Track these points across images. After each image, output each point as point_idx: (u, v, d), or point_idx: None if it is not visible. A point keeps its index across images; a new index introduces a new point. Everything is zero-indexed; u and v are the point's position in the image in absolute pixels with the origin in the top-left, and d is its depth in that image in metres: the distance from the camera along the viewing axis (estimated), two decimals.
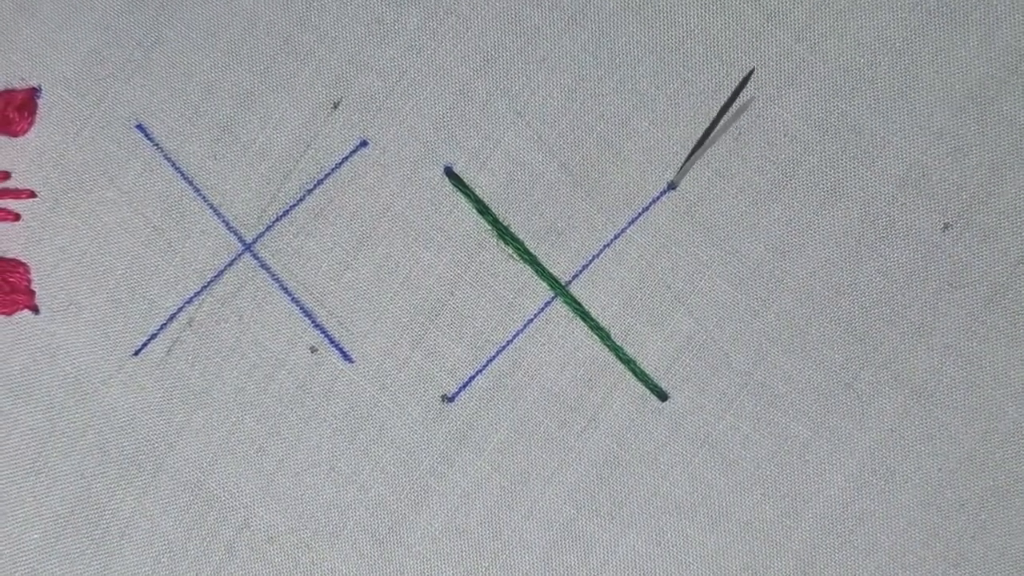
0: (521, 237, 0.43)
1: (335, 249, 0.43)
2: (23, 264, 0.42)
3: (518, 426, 0.43)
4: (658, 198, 0.43)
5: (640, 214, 0.43)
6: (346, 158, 0.43)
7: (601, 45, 0.43)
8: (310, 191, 0.43)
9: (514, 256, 0.43)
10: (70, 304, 0.42)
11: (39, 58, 0.42)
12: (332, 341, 0.42)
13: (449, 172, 0.43)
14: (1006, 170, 0.43)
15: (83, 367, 0.42)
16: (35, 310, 0.42)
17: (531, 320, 0.43)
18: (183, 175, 0.42)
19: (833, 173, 0.43)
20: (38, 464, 0.41)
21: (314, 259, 0.43)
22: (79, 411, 0.42)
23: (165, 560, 0.42)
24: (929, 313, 0.43)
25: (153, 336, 0.42)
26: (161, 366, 0.42)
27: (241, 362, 0.42)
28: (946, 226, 0.43)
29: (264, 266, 0.42)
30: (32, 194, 0.42)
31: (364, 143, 0.43)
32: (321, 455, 0.42)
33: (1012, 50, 0.43)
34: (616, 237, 0.43)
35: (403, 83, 0.43)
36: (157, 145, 0.42)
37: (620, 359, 0.43)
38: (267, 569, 0.42)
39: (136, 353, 0.42)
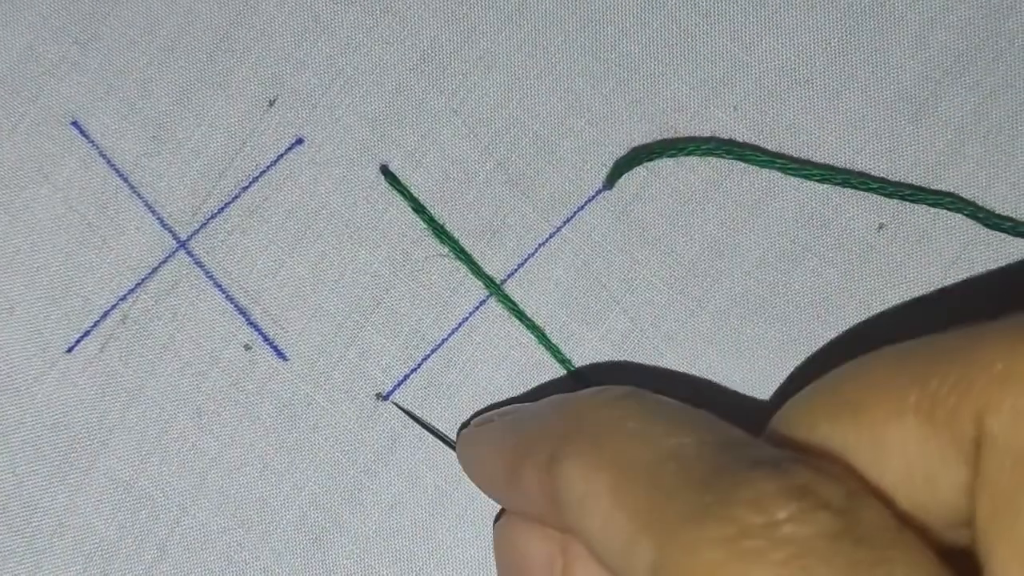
0: (457, 236, 0.43)
1: (270, 247, 0.42)
2: None
3: (453, 425, 0.42)
4: (593, 197, 0.43)
5: (575, 213, 0.43)
6: (282, 156, 0.43)
7: (537, 44, 0.43)
8: (245, 188, 0.42)
9: (449, 255, 0.43)
10: (3, 301, 0.42)
11: None
12: (266, 339, 0.42)
13: (385, 170, 0.43)
14: (941, 170, 0.43)
15: (16, 364, 0.42)
16: None
17: (466, 318, 0.43)
18: (118, 172, 0.42)
19: (768, 173, 0.43)
20: None
21: (249, 256, 0.42)
22: (11, 408, 0.41)
23: (97, 559, 0.41)
24: (864, 313, 0.43)
25: (87, 333, 0.42)
26: (94, 363, 0.42)
27: (174, 359, 0.42)
28: (881, 226, 0.43)
29: (198, 263, 0.42)
30: None
31: (300, 141, 0.43)
32: (254, 453, 0.42)
33: (947, 51, 0.44)
34: (551, 236, 0.43)
35: (339, 81, 0.43)
36: (92, 142, 0.42)
37: (555, 358, 0.43)
38: (200, 568, 0.42)
39: (69, 350, 0.42)
